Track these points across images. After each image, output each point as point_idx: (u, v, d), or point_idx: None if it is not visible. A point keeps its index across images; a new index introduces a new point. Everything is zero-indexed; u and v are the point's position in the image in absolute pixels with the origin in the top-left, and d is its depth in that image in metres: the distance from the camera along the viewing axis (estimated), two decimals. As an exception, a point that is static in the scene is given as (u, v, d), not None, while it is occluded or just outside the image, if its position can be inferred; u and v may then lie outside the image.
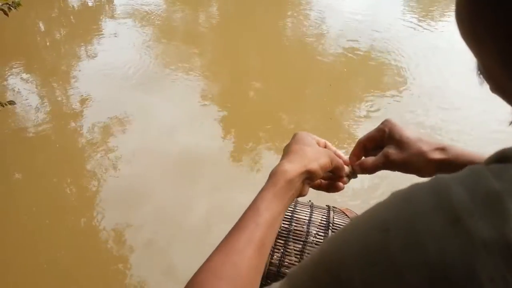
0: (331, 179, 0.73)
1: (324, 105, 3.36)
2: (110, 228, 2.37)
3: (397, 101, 3.37)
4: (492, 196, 0.30)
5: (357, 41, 4.16)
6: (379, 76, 3.70)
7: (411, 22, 4.61)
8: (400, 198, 0.33)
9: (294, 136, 0.70)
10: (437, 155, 0.67)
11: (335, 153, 0.72)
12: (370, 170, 0.72)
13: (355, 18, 4.61)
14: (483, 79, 0.42)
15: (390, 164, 0.70)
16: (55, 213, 2.47)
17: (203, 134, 3.03)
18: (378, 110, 3.24)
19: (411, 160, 0.68)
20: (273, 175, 0.64)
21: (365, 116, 3.19)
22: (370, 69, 3.81)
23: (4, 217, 2.43)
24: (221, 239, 0.61)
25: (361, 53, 4.00)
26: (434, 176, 0.34)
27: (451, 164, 0.66)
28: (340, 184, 0.73)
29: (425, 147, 0.68)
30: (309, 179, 0.66)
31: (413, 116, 3.18)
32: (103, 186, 2.62)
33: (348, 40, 4.17)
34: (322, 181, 0.72)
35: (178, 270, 2.15)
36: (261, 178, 2.59)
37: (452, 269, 0.28)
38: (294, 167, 0.63)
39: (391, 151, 0.69)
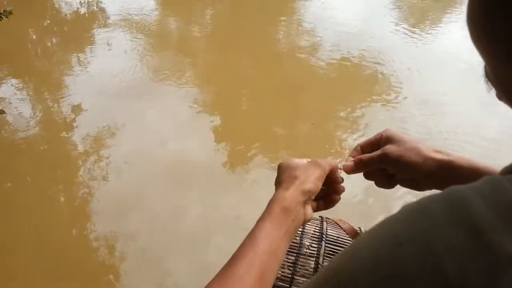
0: (326, 195, 0.72)
1: (316, 114, 3.37)
2: (102, 237, 2.35)
3: (389, 109, 3.39)
4: None
5: (349, 50, 4.19)
6: (371, 84, 3.72)
7: (403, 31, 4.65)
8: (412, 211, 0.31)
9: (279, 167, 0.69)
10: (438, 155, 0.67)
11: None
12: (365, 163, 0.71)
13: (347, 28, 4.64)
14: (491, 85, 0.41)
15: (385, 158, 0.69)
16: (46, 221, 2.45)
17: (195, 142, 3.02)
18: (366, 117, 3.26)
19: (406, 154, 0.67)
20: (269, 203, 0.63)
21: (353, 122, 3.20)
22: (362, 77, 3.84)
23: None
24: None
25: (353, 62, 4.03)
26: (448, 188, 0.31)
27: (454, 166, 0.66)
28: (336, 196, 0.71)
29: (423, 147, 0.68)
30: (310, 199, 0.65)
31: (404, 124, 3.20)
32: (94, 195, 2.60)
33: (339, 49, 4.20)
34: (318, 202, 0.70)
35: (172, 279, 2.13)
36: (254, 184, 2.60)
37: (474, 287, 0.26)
38: (290, 193, 0.62)
39: (388, 146, 0.69)
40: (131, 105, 3.40)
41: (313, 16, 5.00)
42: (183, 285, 2.09)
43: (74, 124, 3.21)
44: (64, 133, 3.14)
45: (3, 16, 2.08)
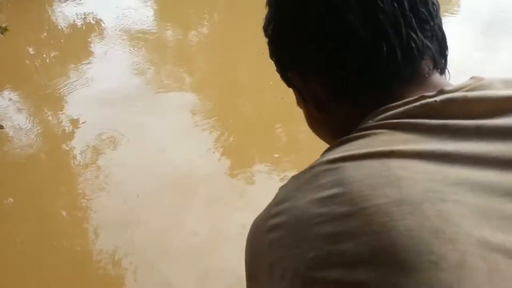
0: None
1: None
2: (104, 251, 2.33)
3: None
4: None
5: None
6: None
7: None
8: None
9: None
10: None
11: None
12: None
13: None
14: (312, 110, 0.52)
15: None
16: (47, 236, 2.43)
17: (196, 152, 3.01)
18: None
19: None
20: None
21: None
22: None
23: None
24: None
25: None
26: None
27: None
28: None
29: None
30: None
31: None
32: (95, 208, 2.59)
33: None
34: None
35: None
36: (256, 194, 2.58)
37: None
38: None
39: None
40: (130, 116, 3.39)
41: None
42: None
43: (74, 137, 3.20)
44: (64, 145, 3.14)
45: (-2, 33, 2.09)
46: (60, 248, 2.38)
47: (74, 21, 5.21)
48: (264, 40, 0.54)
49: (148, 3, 5.75)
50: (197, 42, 4.88)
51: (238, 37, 4.80)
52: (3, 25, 2.07)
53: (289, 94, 0.56)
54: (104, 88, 3.75)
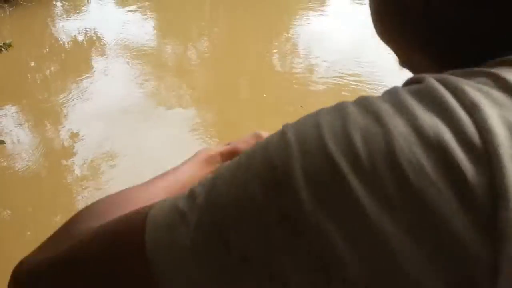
0: None
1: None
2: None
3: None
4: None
5: (344, 72, 4.24)
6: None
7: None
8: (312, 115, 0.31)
9: None
10: None
11: None
12: None
13: (342, 51, 4.71)
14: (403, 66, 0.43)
15: None
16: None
17: (195, 167, 3.02)
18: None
19: None
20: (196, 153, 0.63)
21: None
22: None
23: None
24: None
25: (349, 84, 4.07)
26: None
27: None
28: None
29: None
30: None
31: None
32: (94, 223, 2.59)
33: (335, 72, 4.25)
34: None
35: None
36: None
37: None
38: (217, 148, 0.63)
39: None
40: (130, 130, 3.41)
41: (308, 38, 5.07)
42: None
43: (73, 151, 3.22)
44: (63, 161, 3.15)
45: (2, 49, 2.12)
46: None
47: (75, 36, 5.28)
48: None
49: (148, 18, 5.84)
50: (196, 57, 4.93)
51: (237, 51, 4.86)
52: (7, 41, 2.11)
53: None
54: (104, 102, 3.78)
